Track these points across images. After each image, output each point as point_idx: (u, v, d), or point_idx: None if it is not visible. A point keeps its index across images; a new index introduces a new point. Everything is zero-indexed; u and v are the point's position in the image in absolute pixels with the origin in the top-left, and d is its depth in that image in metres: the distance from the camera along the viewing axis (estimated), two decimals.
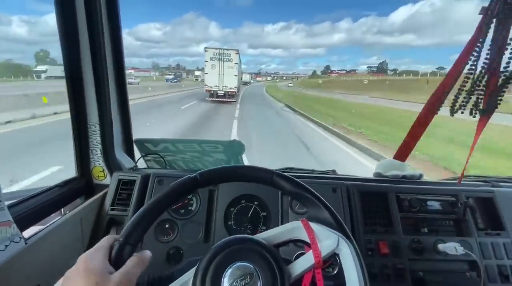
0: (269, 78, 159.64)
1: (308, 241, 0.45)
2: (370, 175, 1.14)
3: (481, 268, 0.80)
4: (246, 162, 1.18)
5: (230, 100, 15.94)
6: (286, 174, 0.50)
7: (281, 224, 0.93)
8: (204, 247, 0.86)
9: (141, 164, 1.20)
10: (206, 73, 15.51)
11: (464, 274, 0.82)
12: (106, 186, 1.01)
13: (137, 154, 1.22)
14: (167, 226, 0.90)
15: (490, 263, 0.83)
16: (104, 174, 1.04)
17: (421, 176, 1.07)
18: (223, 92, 15.69)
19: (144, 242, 0.86)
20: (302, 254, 0.46)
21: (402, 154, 1.09)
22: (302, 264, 0.44)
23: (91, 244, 0.90)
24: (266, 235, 0.47)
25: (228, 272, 0.42)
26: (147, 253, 0.46)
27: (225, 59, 15.39)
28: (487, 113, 0.83)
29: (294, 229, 0.47)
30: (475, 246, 0.84)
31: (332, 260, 0.45)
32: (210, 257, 0.43)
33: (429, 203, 0.92)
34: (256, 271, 0.42)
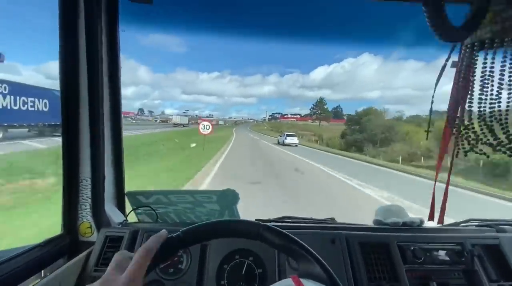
0: (221, 122, 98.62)
1: None
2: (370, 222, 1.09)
3: None
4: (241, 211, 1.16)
5: None
6: (281, 224, 0.47)
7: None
8: None
9: (133, 217, 1.16)
10: None
11: None
12: (93, 243, 0.95)
13: (129, 207, 1.19)
14: None
15: None
16: (91, 230, 0.99)
17: (421, 222, 1.02)
18: None
19: None
20: None
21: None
22: None
23: None
24: None
25: None
26: (151, 242, 0.44)
27: None
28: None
29: None
30: None
31: None
32: None
33: (434, 253, 0.86)
34: None
